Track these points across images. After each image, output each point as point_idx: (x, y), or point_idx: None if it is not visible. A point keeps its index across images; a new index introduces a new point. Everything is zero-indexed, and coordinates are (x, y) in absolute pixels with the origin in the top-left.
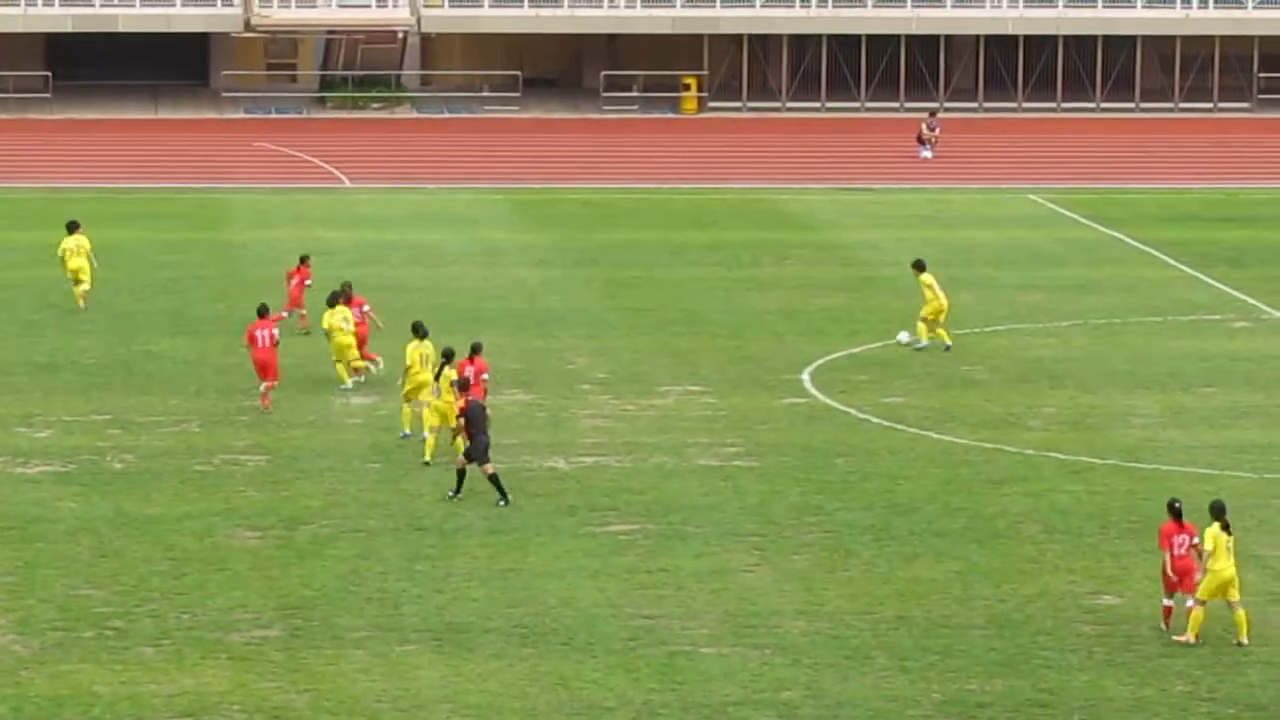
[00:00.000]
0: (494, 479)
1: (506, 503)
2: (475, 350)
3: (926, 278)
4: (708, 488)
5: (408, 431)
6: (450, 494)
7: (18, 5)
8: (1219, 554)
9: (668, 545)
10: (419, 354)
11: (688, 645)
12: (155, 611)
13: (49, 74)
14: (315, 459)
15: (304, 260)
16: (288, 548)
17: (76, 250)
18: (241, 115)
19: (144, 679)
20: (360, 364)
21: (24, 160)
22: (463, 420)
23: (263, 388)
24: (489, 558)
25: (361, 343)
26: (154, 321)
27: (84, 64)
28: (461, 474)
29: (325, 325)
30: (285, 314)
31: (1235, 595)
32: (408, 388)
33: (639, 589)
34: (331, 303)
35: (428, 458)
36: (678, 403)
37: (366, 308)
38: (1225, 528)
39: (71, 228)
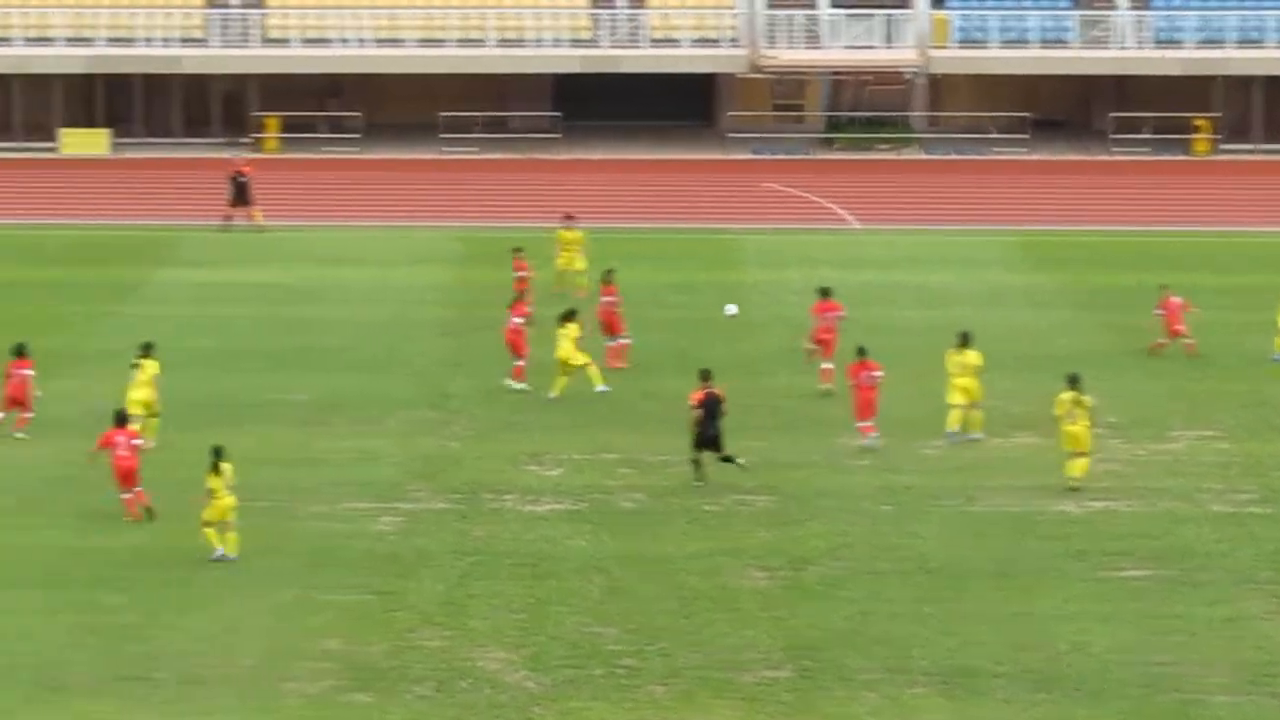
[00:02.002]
0: (726, 459)
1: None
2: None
3: None
4: (1221, 534)
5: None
6: (703, 482)
7: (526, 46)
8: None
9: (1180, 591)
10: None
11: (1201, 693)
12: (665, 650)
13: (557, 114)
14: (823, 500)
15: (825, 293)
16: (796, 588)
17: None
18: (748, 156)
19: (654, 717)
20: None
21: (533, 199)
22: (699, 411)
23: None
24: (998, 601)
25: None
26: (661, 361)
27: (592, 104)
28: (696, 463)
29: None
30: (810, 344)
31: None
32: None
33: (1152, 635)
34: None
35: None
36: (1190, 447)
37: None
38: None
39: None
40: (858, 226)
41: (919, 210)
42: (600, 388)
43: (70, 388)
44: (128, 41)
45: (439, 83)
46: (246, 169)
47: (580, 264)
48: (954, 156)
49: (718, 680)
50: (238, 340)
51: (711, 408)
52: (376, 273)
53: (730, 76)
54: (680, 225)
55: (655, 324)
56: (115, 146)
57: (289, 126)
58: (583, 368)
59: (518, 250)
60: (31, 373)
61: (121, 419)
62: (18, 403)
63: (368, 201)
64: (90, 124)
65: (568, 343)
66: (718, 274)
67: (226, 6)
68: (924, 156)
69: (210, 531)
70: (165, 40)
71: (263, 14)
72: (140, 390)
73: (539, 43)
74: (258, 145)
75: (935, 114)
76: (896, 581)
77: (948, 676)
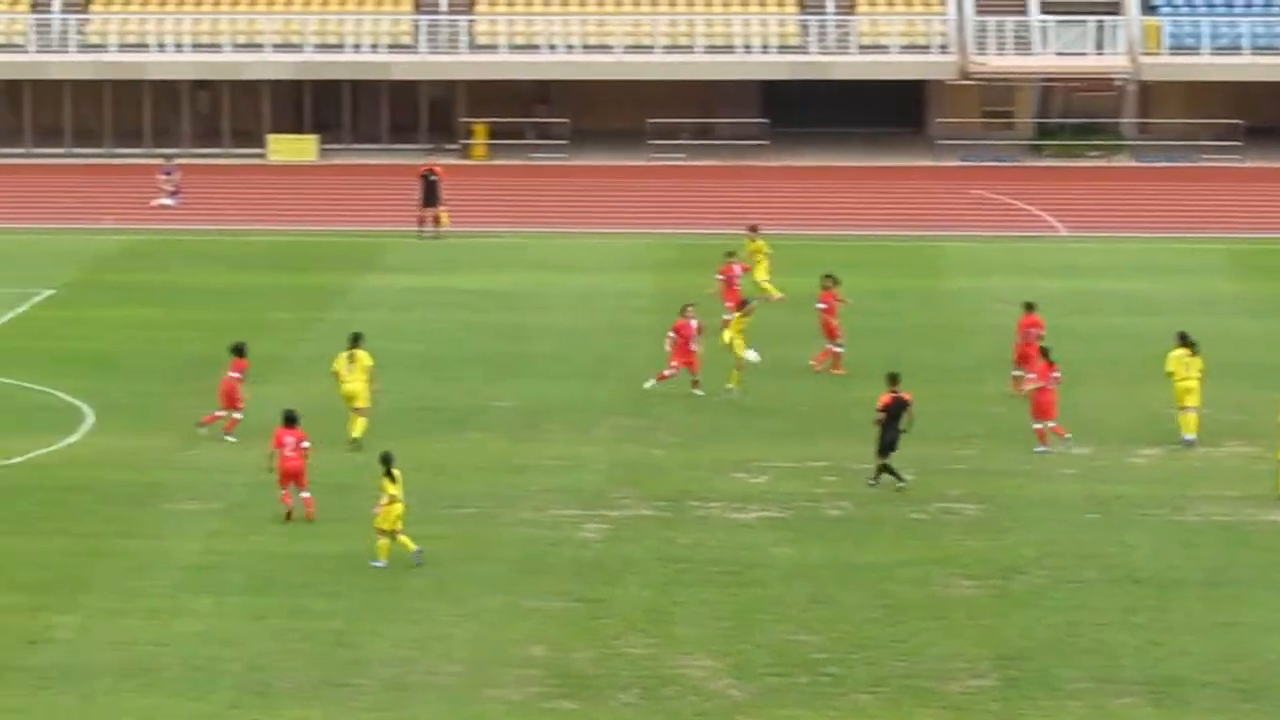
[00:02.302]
0: (885, 468)
1: (874, 484)
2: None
3: None
4: None
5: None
6: (877, 483)
7: (735, 53)
8: None
9: None
10: None
11: None
12: (871, 659)
13: (765, 120)
14: (1031, 509)
15: (1030, 307)
16: (1003, 597)
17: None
18: (957, 163)
19: None
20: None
21: (739, 206)
22: (882, 415)
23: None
24: (1207, 611)
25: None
26: (868, 368)
27: (800, 111)
28: (883, 469)
29: None
30: (1020, 375)
31: None
32: None
33: None
34: None
35: None
36: None
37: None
38: None
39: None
40: (1066, 234)
41: (1128, 218)
42: (728, 387)
43: (278, 393)
44: (336, 47)
45: (646, 89)
46: (439, 169)
47: (762, 272)
48: (1164, 164)
49: (923, 689)
50: (444, 346)
51: (896, 412)
52: (584, 279)
53: (939, 83)
54: (887, 232)
55: (863, 332)
56: (322, 153)
57: (496, 133)
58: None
59: (730, 254)
60: (239, 375)
61: (290, 419)
62: (229, 403)
63: (575, 208)
64: (298, 130)
65: (732, 332)
66: (924, 281)
67: (435, 12)
68: (1134, 164)
69: (384, 543)
70: (374, 46)
71: (471, 20)
72: (355, 383)
73: (747, 49)
74: (465, 151)
75: (1145, 121)
76: (1104, 590)
77: (1155, 686)
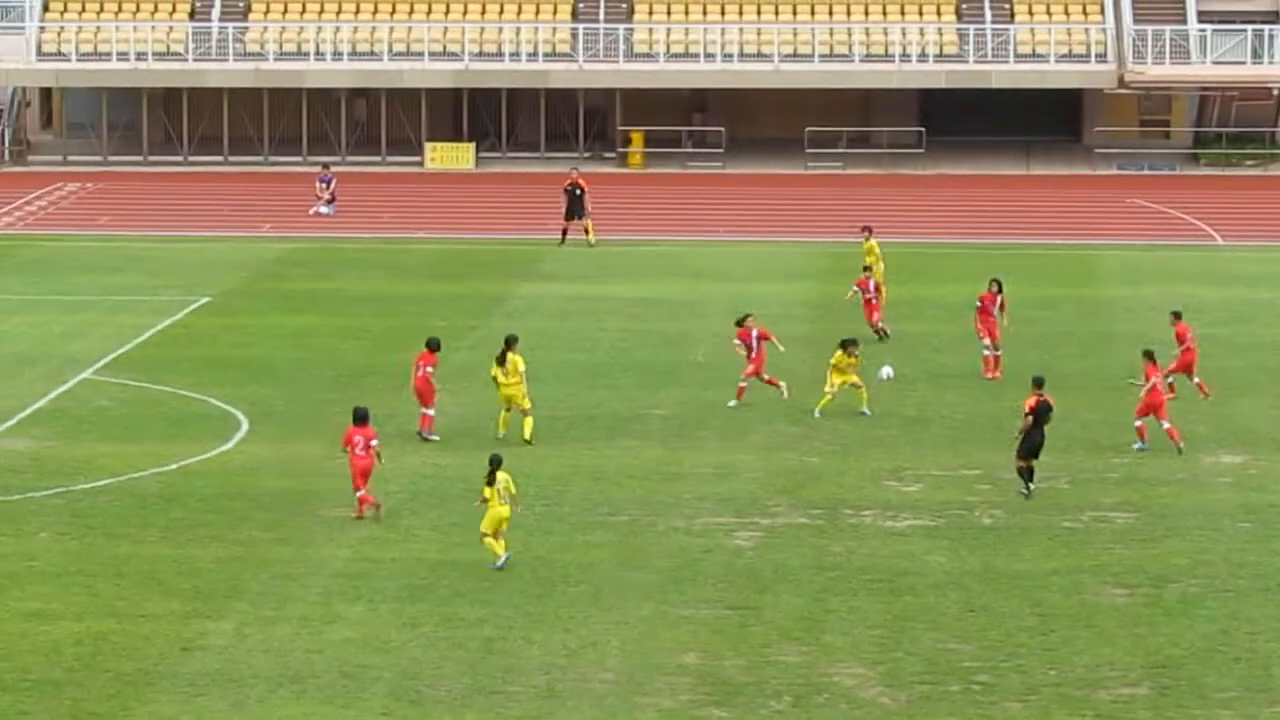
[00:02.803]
0: (1029, 472)
1: (1027, 495)
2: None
3: None
4: None
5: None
6: (1022, 492)
7: (892, 61)
8: None
9: None
10: None
11: None
12: (1022, 667)
13: (922, 129)
14: (1183, 517)
15: (1177, 316)
16: (1156, 606)
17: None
18: (1114, 171)
19: None
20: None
21: (896, 215)
22: (1029, 419)
23: None
24: None
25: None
26: (1021, 377)
27: (957, 119)
28: (1023, 472)
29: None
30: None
31: None
32: None
33: None
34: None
35: None
36: None
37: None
38: None
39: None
40: (1222, 243)
41: None
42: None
43: (437, 401)
44: (495, 56)
45: (804, 97)
46: (582, 181)
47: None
48: None
49: (1075, 698)
50: (601, 354)
51: (1042, 415)
52: (741, 288)
53: (1097, 92)
54: (1043, 241)
55: (1018, 340)
56: (480, 161)
57: (653, 141)
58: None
59: (866, 269)
60: (431, 370)
61: (360, 417)
62: (425, 400)
63: (731, 216)
64: (456, 138)
65: (835, 372)
66: (1078, 290)
67: (594, 21)
68: None
69: (490, 541)
70: (532, 55)
71: (629, 28)
72: (512, 386)
73: (905, 58)
74: (622, 160)
75: None
76: (1257, 599)
77: None
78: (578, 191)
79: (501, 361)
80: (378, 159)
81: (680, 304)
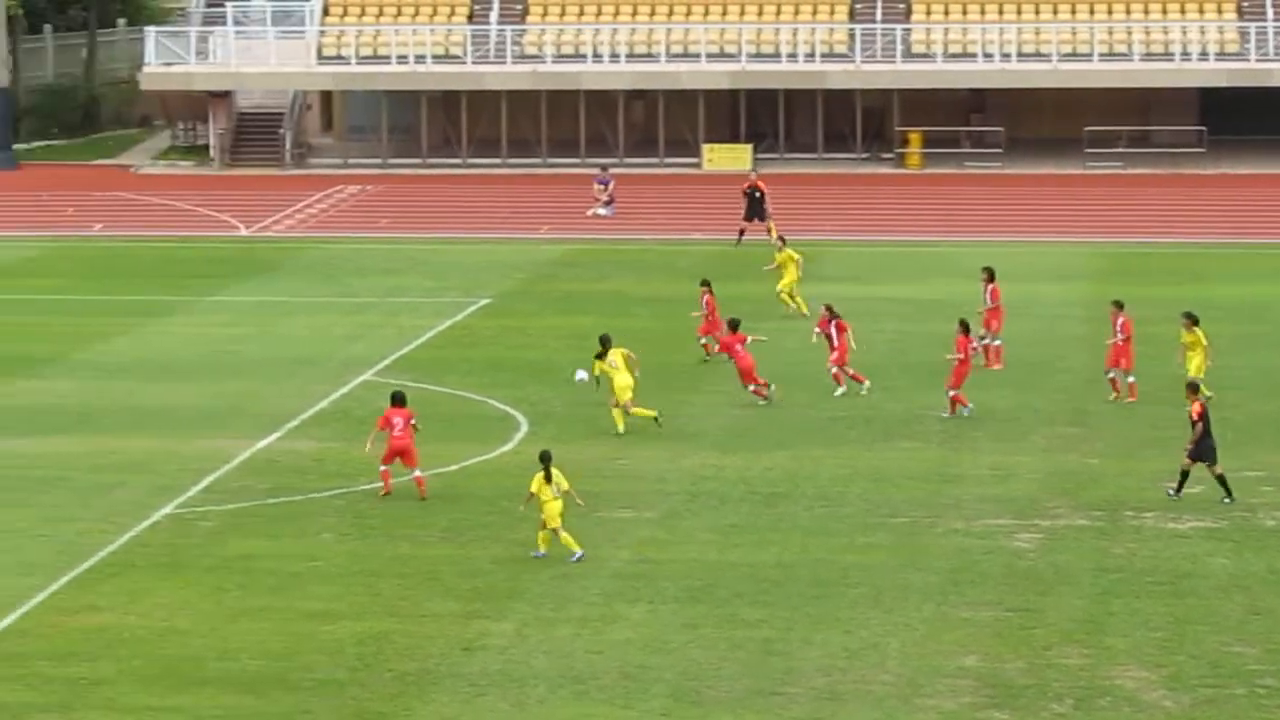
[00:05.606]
0: (1221, 479)
1: (1230, 500)
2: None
3: None
4: None
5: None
6: (1171, 492)
7: (1172, 60)
8: None
9: None
10: None
11: None
12: None
13: (1203, 129)
14: None
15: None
16: None
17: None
18: None
19: None
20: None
21: (1177, 215)
22: (1200, 424)
23: None
24: None
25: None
26: None
27: (1239, 118)
28: (1185, 474)
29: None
30: None
31: None
32: None
33: None
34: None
35: None
36: None
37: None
38: None
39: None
40: None
41: None
42: None
43: (705, 400)
44: (771, 57)
45: (1082, 97)
46: (761, 184)
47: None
48: None
49: None
50: (878, 355)
51: (1209, 419)
52: (1019, 288)
53: None
54: None
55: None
56: (757, 162)
57: (931, 141)
58: None
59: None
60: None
61: (398, 399)
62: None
63: (1009, 216)
64: (733, 139)
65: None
66: None
67: (871, 21)
68: None
69: (544, 534)
70: (809, 55)
71: (906, 29)
72: (625, 374)
73: (1186, 56)
74: (900, 161)
75: None
76: None
77: None
78: (757, 194)
79: (608, 357)
80: (655, 160)
81: (957, 304)
